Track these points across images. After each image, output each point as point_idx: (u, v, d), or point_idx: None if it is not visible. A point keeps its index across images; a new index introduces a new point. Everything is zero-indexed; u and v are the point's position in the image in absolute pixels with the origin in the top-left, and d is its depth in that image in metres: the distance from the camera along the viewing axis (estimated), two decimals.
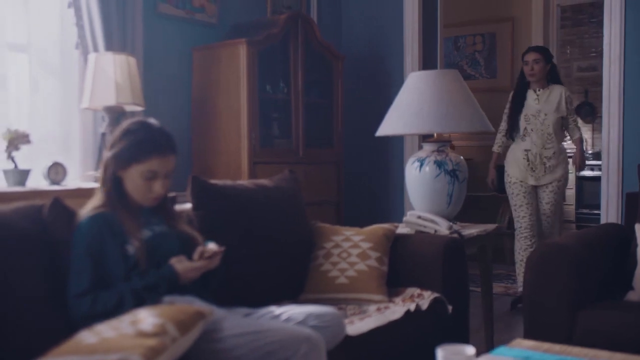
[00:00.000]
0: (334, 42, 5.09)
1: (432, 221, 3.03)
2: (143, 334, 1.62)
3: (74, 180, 3.41)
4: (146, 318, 1.71)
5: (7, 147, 3.00)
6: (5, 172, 3.01)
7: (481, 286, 3.37)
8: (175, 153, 2.18)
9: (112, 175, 2.14)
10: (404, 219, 3.14)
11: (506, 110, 4.59)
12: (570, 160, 4.61)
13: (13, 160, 3.02)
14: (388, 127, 3.19)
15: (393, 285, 2.74)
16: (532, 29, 6.79)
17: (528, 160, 4.43)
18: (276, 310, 2.12)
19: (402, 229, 3.10)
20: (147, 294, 1.98)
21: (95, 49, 3.50)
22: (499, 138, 4.64)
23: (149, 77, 3.91)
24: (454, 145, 7.35)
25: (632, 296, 2.70)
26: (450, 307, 2.62)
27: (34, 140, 3.15)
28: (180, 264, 2.04)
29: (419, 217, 3.08)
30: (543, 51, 4.51)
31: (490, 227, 3.28)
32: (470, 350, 1.36)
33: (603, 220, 4.38)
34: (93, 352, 1.54)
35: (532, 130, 4.41)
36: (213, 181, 2.66)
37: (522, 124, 4.44)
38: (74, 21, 3.50)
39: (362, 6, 5.27)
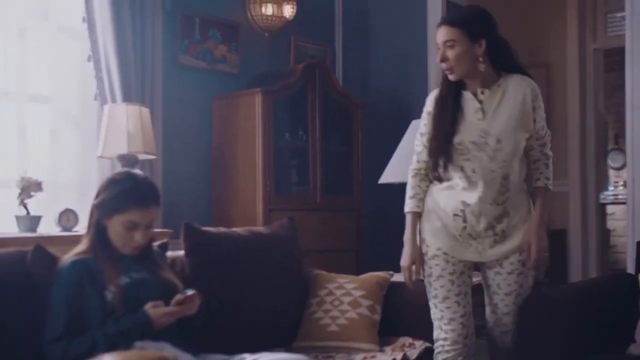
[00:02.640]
0: (360, 90, 5.14)
1: None
2: None
3: None
4: None
5: (20, 194, 3.13)
6: (17, 218, 3.13)
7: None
8: (157, 204, 2.24)
9: (96, 223, 2.22)
10: None
11: (423, 132, 2.59)
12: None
13: (25, 207, 3.14)
14: (390, 174, 3.20)
15: (387, 334, 2.72)
16: (567, 75, 6.70)
17: (465, 221, 2.48)
18: (248, 357, 2.13)
19: (400, 277, 3.07)
20: (119, 339, 2.03)
21: (113, 100, 3.63)
22: (415, 184, 2.57)
23: (169, 126, 4.02)
24: None
25: (633, 349, 2.61)
26: None
27: (50, 188, 3.28)
28: (153, 309, 2.08)
29: None
30: (462, 25, 2.43)
31: None
32: None
33: (630, 269, 4.23)
34: None
35: (474, 171, 2.46)
36: (205, 228, 2.71)
37: (458, 158, 2.48)
38: (94, 74, 3.66)
39: (388, 55, 5.31)
